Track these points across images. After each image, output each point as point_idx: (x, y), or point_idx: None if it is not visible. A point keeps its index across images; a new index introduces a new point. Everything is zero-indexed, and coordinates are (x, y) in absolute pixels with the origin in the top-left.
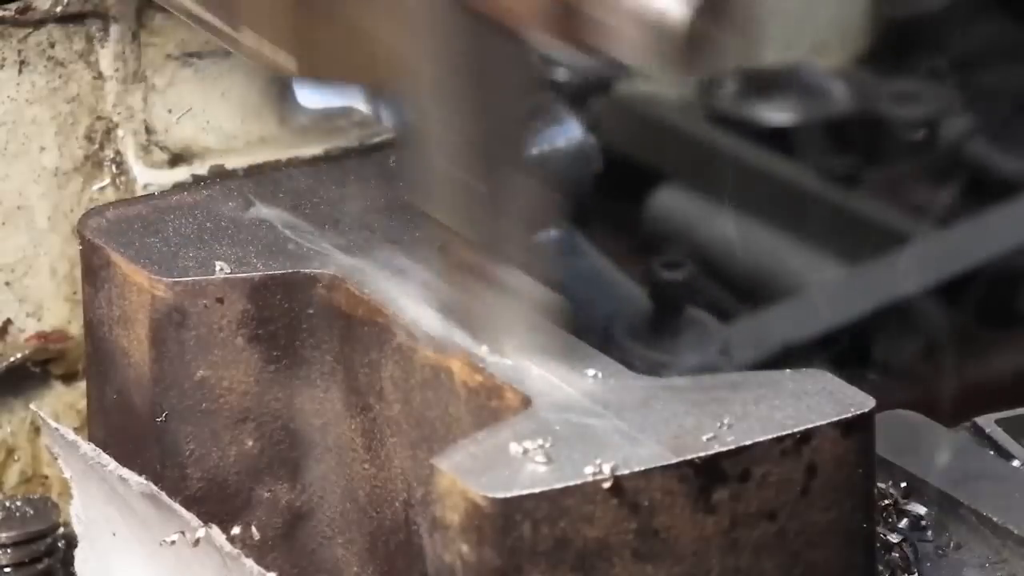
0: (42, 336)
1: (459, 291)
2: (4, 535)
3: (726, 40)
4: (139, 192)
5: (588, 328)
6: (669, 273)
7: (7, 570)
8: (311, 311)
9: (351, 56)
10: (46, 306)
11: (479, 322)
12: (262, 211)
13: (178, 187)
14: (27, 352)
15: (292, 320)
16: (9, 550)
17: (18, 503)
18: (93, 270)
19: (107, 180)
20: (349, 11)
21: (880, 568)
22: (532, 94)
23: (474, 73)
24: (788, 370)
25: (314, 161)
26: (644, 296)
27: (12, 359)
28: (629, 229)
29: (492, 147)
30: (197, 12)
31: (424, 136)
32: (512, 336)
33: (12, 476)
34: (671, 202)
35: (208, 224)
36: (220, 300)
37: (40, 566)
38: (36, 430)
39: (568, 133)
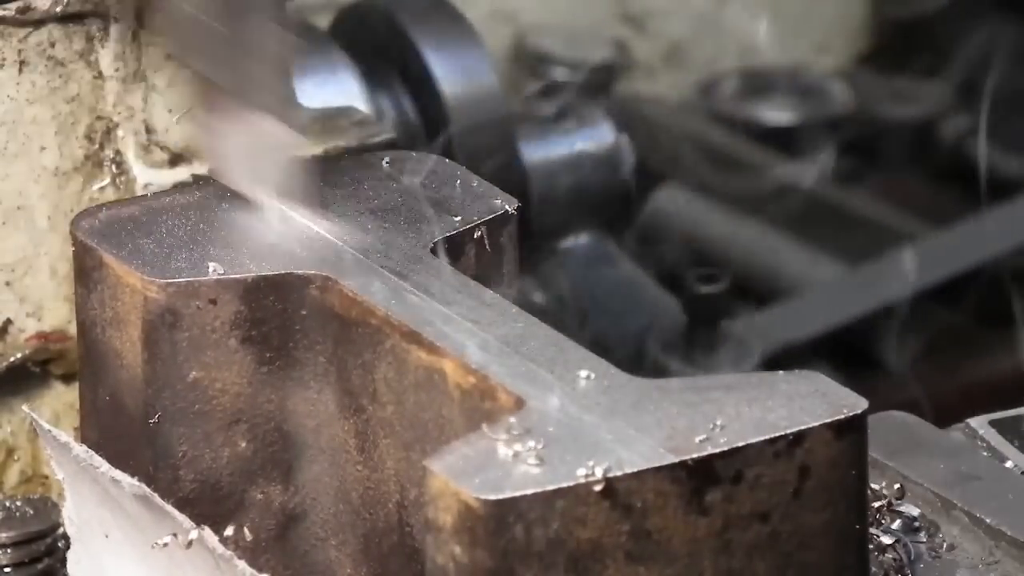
0: (42, 336)
1: (211, 134)
2: (4, 535)
3: None
4: (139, 192)
5: (621, 340)
6: (705, 287)
7: (7, 570)
8: (304, 312)
9: None
10: (46, 306)
11: (232, 164)
12: (255, 212)
13: (171, 188)
14: (27, 352)
15: (285, 321)
16: (9, 550)
17: (18, 503)
18: (86, 271)
19: (107, 180)
20: None
21: (873, 569)
22: None
23: None
24: (781, 371)
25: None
26: (678, 308)
27: (12, 359)
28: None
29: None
30: None
31: None
32: (264, 177)
33: (12, 476)
34: (671, 202)
35: (201, 225)
36: (213, 301)
37: (40, 566)
38: (36, 430)
39: (600, 136)
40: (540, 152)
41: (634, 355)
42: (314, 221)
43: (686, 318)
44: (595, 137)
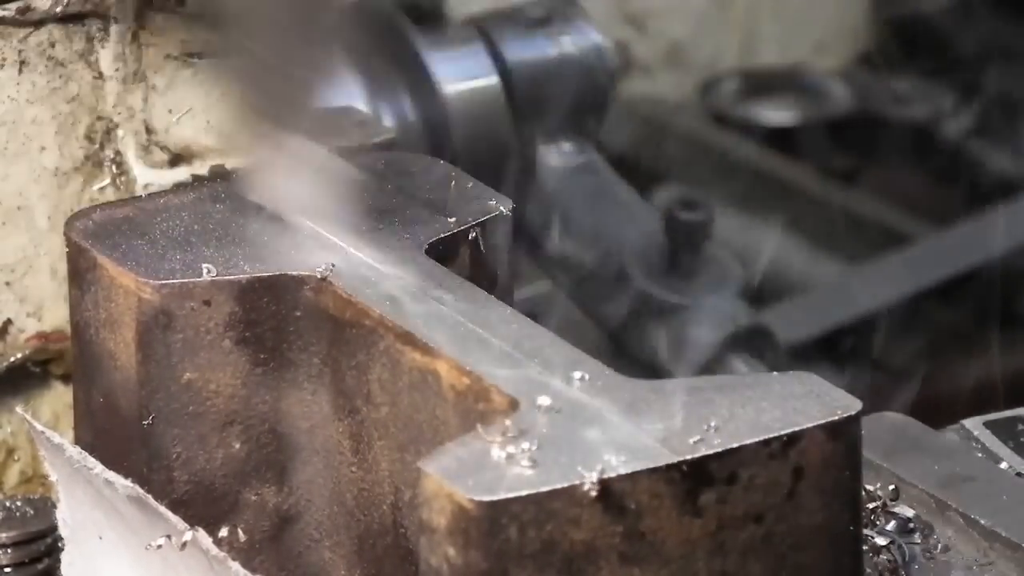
0: (42, 336)
1: (251, 157)
2: (4, 535)
3: None
4: (139, 192)
5: (604, 259)
6: (687, 214)
7: (7, 570)
8: (298, 313)
9: None
10: (46, 306)
11: (271, 188)
12: (249, 213)
13: (165, 189)
14: (27, 352)
15: (279, 323)
16: (9, 550)
17: (18, 503)
18: (80, 272)
19: (107, 180)
20: None
21: (868, 570)
22: None
23: None
24: (775, 372)
25: None
26: (658, 218)
27: (12, 359)
28: None
29: (281, 20)
30: None
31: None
32: (302, 199)
33: (12, 476)
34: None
35: (195, 226)
36: (207, 302)
37: (40, 566)
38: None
39: (582, 38)
40: (524, 55)
41: (616, 277)
42: (319, 224)
43: (668, 243)
44: (579, 40)
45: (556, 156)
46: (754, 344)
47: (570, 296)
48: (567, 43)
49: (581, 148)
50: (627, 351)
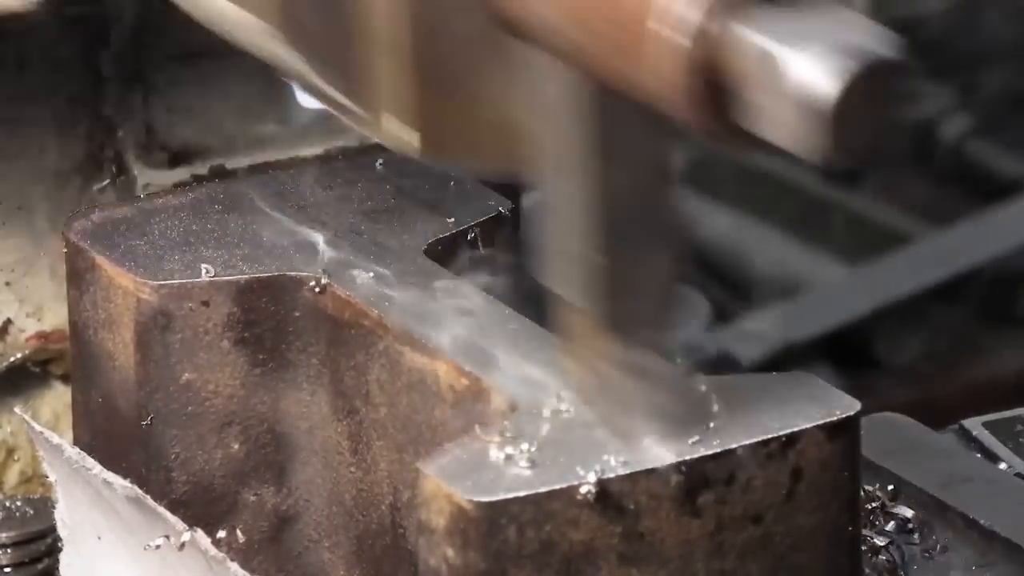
0: (42, 336)
1: (589, 375)
2: (4, 535)
3: (881, 119)
4: (139, 192)
5: None
6: None
7: (7, 570)
8: (297, 314)
9: (478, 133)
10: (46, 306)
11: (614, 408)
12: (247, 213)
13: (164, 190)
14: (27, 352)
15: (278, 323)
16: (9, 550)
17: (18, 503)
18: (78, 273)
19: (107, 180)
20: (476, 87)
21: (867, 571)
22: (670, 175)
23: (608, 153)
24: (774, 373)
25: (302, 163)
26: None
27: (12, 359)
28: None
29: (625, 227)
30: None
31: (554, 215)
32: (638, 411)
33: (12, 476)
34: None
35: (194, 227)
36: (206, 303)
37: (40, 566)
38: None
39: None
40: None
41: None
42: (316, 224)
43: None
44: None
45: None
46: (721, 371)
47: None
48: None
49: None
50: None
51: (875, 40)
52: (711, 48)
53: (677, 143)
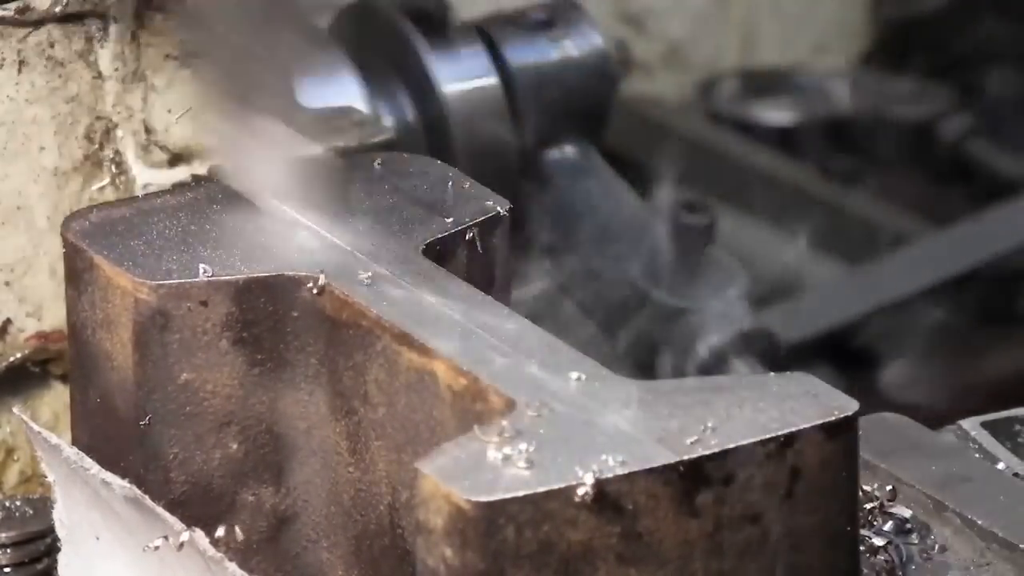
0: (42, 336)
1: (218, 137)
2: (4, 535)
3: None
4: (139, 192)
5: (605, 262)
6: (690, 217)
7: (7, 570)
8: (295, 314)
9: None
10: (46, 306)
11: (237, 167)
12: (246, 213)
13: (163, 189)
14: (27, 352)
15: (276, 323)
16: (9, 550)
17: (18, 503)
18: (76, 273)
19: (107, 180)
20: None
21: (865, 571)
22: None
23: None
24: (772, 373)
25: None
26: (663, 225)
27: (12, 359)
28: None
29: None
30: None
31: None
32: (269, 180)
33: (12, 476)
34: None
35: (192, 227)
36: (204, 303)
37: (40, 566)
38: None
39: (584, 42)
40: (527, 58)
41: (620, 282)
42: (315, 224)
43: (671, 246)
44: (581, 44)
45: (558, 158)
46: (757, 347)
47: (570, 298)
48: (569, 46)
49: (583, 151)
50: (629, 354)
51: None
52: None
53: None
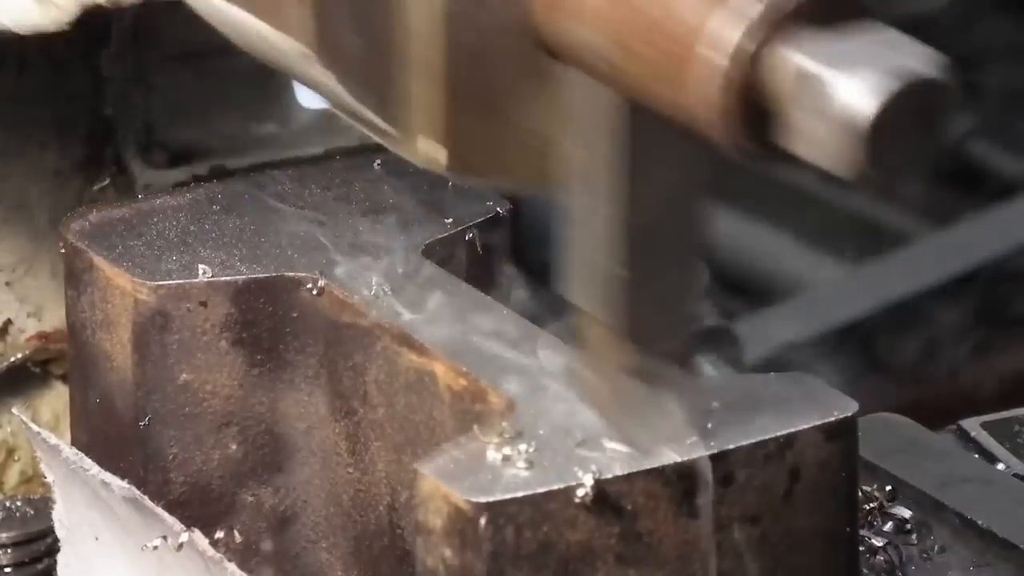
0: (42, 336)
1: (605, 385)
2: (4, 535)
3: (920, 138)
4: (139, 192)
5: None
6: None
7: (7, 570)
8: (295, 315)
9: (508, 152)
10: (46, 306)
11: (628, 418)
12: (246, 214)
13: (162, 190)
14: (27, 352)
15: (276, 324)
16: (9, 550)
17: (18, 503)
18: (75, 273)
19: (107, 180)
20: (510, 105)
21: (864, 571)
22: (699, 193)
23: (639, 170)
24: (772, 373)
25: (299, 163)
26: None
27: (12, 359)
28: None
29: (651, 243)
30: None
31: (579, 229)
32: (661, 433)
33: (12, 476)
34: None
35: (191, 227)
36: (203, 303)
37: (40, 566)
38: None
39: None
40: None
41: None
42: (315, 223)
43: None
44: None
45: None
46: (719, 345)
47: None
48: None
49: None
50: None
51: (917, 60)
52: (755, 71)
53: (708, 161)
